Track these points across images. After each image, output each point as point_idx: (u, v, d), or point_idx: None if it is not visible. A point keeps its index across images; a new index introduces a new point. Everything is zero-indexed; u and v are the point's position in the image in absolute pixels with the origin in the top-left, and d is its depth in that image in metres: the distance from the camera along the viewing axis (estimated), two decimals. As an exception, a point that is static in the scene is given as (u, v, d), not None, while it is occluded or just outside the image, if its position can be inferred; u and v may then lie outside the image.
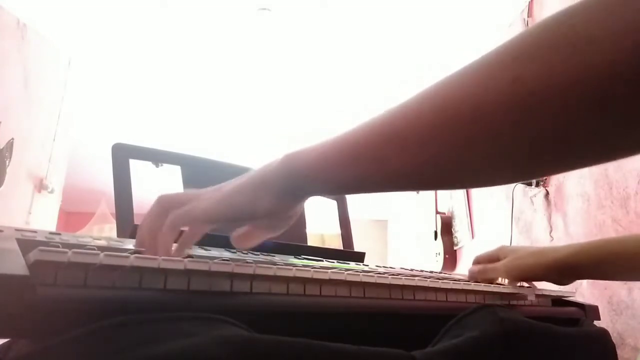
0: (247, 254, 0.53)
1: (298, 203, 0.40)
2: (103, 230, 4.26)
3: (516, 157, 0.29)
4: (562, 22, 0.26)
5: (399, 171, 0.33)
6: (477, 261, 0.74)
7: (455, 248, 2.84)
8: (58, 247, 0.30)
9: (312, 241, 0.88)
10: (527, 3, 2.00)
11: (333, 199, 0.91)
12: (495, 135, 0.28)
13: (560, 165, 0.30)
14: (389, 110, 0.34)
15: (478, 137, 0.28)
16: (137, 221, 0.61)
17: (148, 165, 0.71)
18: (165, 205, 0.41)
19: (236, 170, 0.79)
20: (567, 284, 0.69)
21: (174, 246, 0.41)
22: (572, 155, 0.28)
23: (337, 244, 0.94)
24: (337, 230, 0.91)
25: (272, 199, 0.38)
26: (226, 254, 0.48)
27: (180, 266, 0.33)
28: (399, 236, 4.50)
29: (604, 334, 0.59)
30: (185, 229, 0.42)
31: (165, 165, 0.72)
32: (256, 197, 0.39)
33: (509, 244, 1.94)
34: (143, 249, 0.39)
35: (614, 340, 0.59)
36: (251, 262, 0.39)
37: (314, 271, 0.39)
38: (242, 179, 0.40)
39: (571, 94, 0.24)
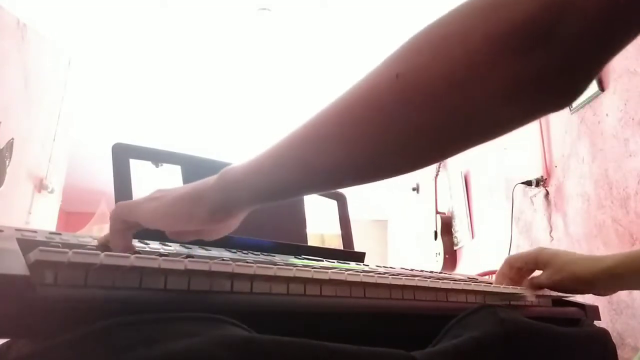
0: (247, 254, 0.53)
1: (231, 217, 0.42)
2: (103, 230, 4.23)
3: (412, 144, 0.32)
4: (432, 28, 0.31)
5: (320, 171, 0.35)
6: (510, 264, 0.69)
7: (455, 248, 2.84)
8: (58, 247, 0.30)
9: (312, 241, 0.88)
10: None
11: (333, 199, 0.91)
12: (387, 127, 0.32)
13: (456, 145, 0.33)
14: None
15: (375, 131, 0.32)
16: (137, 221, 0.61)
17: (148, 165, 0.71)
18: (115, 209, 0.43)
19: (236, 170, 0.79)
20: (610, 294, 0.67)
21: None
22: (464, 136, 0.32)
23: (337, 244, 0.94)
24: (337, 230, 0.91)
25: (206, 212, 0.40)
26: (226, 254, 0.47)
27: (181, 266, 0.33)
28: (399, 236, 4.50)
29: (604, 334, 0.59)
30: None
31: (165, 165, 0.72)
32: (192, 209, 0.40)
33: (508, 246, 1.94)
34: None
35: (614, 340, 0.59)
36: (251, 262, 0.39)
37: (314, 271, 0.39)
38: (184, 189, 0.42)
39: (441, 81, 0.29)
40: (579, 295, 0.70)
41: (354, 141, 0.33)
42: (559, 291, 0.65)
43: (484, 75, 0.29)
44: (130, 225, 0.41)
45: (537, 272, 0.68)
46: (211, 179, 0.41)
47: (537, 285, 0.66)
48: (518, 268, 0.69)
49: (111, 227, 0.41)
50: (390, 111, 0.31)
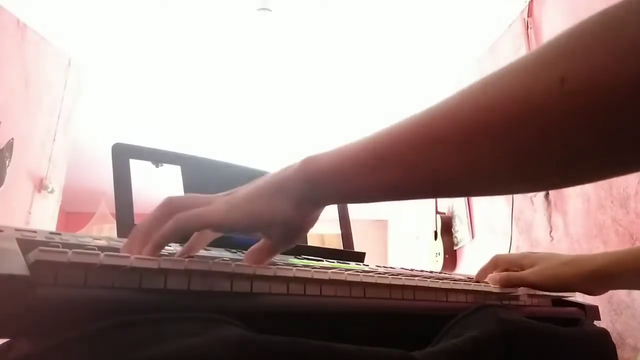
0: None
1: (317, 210, 0.38)
2: (103, 230, 4.26)
3: (563, 162, 0.27)
4: (602, 15, 0.24)
5: (429, 177, 0.31)
6: (496, 263, 0.69)
7: (455, 248, 2.84)
8: (58, 247, 0.30)
9: (312, 241, 0.88)
10: (527, 3, 2.00)
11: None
12: (541, 139, 0.26)
13: (610, 171, 0.28)
14: (417, 114, 0.31)
15: (523, 141, 0.27)
16: (137, 221, 0.61)
17: (148, 165, 0.71)
18: (171, 206, 0.38)
19: (236, 170, 0.79)
20: (599, 294, 0.65)
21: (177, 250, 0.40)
22: (623, 162, 0.26)
23: (337, 244, 0.94)
24: (337, 230, 0.91)
25: (291, 206, 0.36)
26: (226, 254, 0.47)
27: (181, 266, 0.33)
28: (399, 236, 4.50)
29: (604, 334, 0.59)
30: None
31: (165, 165, 0.72)
32: (275, 203, 0.36)
33: (508, 246, 1.94)
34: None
35: (614, 340, 0.59)
36: (251, 262, 0.39)
37: (314, 271, 0.39)
38: (258, 183, 0.38)
39: (625, 96, 0.23)
40: (578, 295, 0.70)
41: (484, 151, 0.28)
42: (547, 291, 0.64)
43: None
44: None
45: None
46: (290, 170, 0.37)
47: (516, 279, 0.63)
48: (503, 269, 0.68)
49: (162, 238, 0.36)
50: (547, 126, 0.25)
